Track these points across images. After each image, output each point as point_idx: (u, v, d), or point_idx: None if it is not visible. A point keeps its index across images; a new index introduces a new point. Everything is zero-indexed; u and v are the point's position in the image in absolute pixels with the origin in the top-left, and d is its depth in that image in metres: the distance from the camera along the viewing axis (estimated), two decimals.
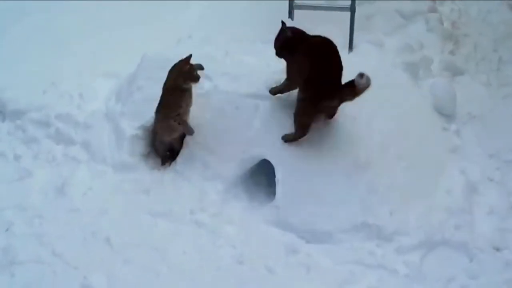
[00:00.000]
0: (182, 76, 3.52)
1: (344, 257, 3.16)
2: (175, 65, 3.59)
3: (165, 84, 3.60)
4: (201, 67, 3.63)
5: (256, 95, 3.66)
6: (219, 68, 3.87)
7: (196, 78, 3.53)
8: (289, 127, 3.45)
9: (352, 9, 4.30)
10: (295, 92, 3.42)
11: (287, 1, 4.45)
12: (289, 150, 3.45)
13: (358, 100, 3.24)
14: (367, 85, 3.16)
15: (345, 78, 3.23)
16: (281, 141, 3.47)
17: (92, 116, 4.11)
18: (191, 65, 3.53)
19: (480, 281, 3.02)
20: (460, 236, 3.22)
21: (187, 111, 3.64)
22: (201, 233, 3.33)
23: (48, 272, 3.13)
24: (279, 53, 3.44)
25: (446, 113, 4.00)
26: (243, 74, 3.81)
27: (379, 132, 3.53)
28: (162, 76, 3.60)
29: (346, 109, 3.43)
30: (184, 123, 3.62)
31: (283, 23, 3.47)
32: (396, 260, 3.14)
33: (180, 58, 3.58)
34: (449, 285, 3.02)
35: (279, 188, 3.42)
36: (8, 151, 3.99)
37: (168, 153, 3.81)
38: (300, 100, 3.34)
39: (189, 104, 3.63)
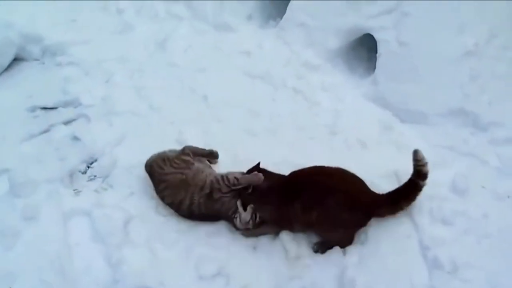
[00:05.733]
0: None
1: (436, 140, 3.09)
2: None
3: None
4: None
5: None
6: None
7: None
8: None
9: None
10: None
11: None
12: (394, 27, 3.32)
13: None
14: None
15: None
16: (386, 15, 3.33)
17: None
18: None
19: None
20: None
21: None
22: (297, 99, 3.34)
23: (144, 124, 3.18)
24: None
25: None
26: None
27: (488, 19, 3.31)
28: None
29: None
30: None
31: None
32: (489, 151, 3.04)
33: None
34: None
35: (379, 63, 3.34)
36: (111, 4, 4.00)
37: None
38: None
39: None
